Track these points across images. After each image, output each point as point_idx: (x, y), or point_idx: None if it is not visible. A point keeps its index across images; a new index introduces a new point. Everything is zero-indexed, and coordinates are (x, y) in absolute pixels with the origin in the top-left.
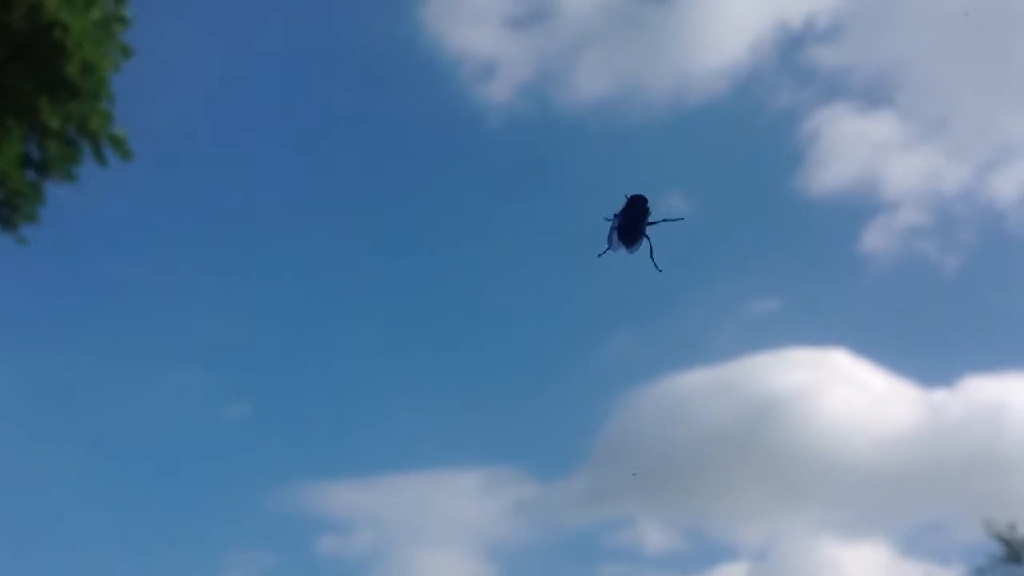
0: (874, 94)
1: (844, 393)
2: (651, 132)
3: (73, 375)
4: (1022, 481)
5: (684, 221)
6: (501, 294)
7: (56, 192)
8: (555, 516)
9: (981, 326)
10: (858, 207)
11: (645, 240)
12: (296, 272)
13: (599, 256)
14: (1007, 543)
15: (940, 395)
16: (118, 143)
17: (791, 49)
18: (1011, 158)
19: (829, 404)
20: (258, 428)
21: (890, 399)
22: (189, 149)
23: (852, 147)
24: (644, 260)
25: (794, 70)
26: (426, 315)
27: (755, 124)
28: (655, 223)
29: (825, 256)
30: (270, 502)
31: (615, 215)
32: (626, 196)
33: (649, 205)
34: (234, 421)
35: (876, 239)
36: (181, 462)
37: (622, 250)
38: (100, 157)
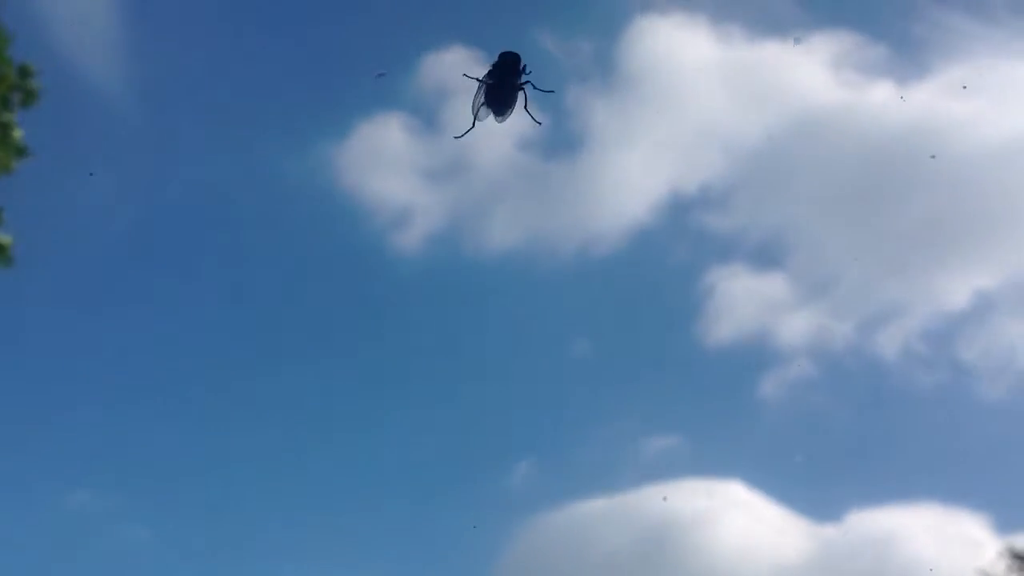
0: (764, 256)
1: (740, 523)
2: (558, 281)
3: None
4: None
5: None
6: (407, 426)
7: None
8: None
9: (866, 465)
10: (752, 358)
11: (520, 97)
12: (199, 417)
13: (457, 137)
14: None
15: (829, 529)
16: (1, 251)
17: (686, 211)
18: (891, 317)
19: (725, 532)
20: (155, 549)
21: (783, 531)
22: (94, 287)
23: (745, 303)
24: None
25: (689, 231)
26: (332, 443)
27: (654, 278)
28: (527, 83)
29: (722, 400)
30: None
31: (480, 80)
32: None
33: (524, 64)
34: (130, 541)
35: (769, 387)
36: None
37: (490, 119)
38: None
